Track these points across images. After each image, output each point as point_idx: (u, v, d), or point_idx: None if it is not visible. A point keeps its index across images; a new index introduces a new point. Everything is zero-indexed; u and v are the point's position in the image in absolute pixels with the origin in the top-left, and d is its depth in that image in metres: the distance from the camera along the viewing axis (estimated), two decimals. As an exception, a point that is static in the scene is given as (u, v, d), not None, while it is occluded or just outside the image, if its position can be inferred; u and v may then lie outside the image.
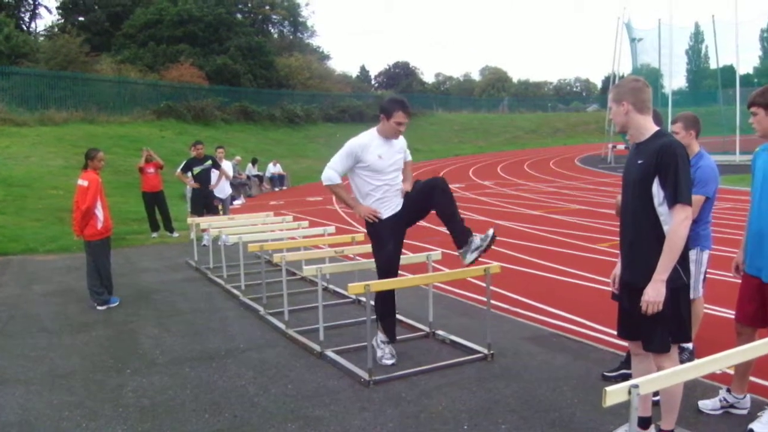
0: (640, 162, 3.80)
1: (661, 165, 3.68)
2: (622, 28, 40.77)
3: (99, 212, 8.19)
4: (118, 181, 21.16)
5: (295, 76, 53.02)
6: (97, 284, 8.32)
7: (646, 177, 3.74)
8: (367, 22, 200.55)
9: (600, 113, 57.01)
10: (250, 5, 63.30)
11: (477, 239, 5.56)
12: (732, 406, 4.55)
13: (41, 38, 47.61)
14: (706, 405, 4.58)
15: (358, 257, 7.57)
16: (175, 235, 14.49)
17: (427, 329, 6.64)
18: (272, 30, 68.11)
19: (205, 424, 4.71)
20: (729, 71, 45.06)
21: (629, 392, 2.85)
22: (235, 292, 8.61)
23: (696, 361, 3.25)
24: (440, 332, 6.52)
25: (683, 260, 3.76)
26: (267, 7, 64.31)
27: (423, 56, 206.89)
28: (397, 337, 6.10)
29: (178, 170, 13.56)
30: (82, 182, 8.14)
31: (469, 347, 6.06)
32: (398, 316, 7.08)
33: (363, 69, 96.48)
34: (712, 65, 46.01)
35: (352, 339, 6.43)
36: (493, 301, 6.11)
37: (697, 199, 4.86)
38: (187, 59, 43.67)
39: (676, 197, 3.66)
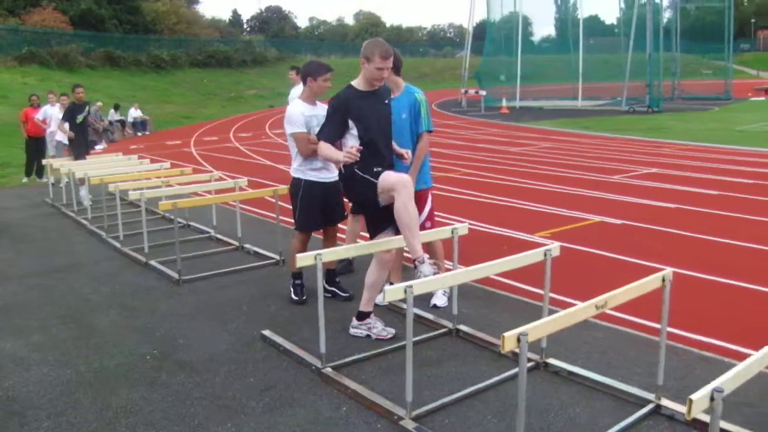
0: (386, 102, 5.13)
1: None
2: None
3: None
4: (-23, 128, 21.62)
5: (162, 21, 52.81)
6: None
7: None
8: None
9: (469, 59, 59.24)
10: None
11: None
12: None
13: None
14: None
15: (177, 185, 8.96)
16: (45, 180, 14.36)
17: (236, 243, 8.24)
18: (139, -28, 66.78)
19: (46, 315, 6.11)
20: (593, 20, 47.94)
21: (405, 291, 3.79)
22: (84, 221, 9.99)
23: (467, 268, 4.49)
24: (247, 245, 8.14)
25: None
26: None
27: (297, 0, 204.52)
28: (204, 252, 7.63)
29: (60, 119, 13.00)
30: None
31: (264, 254, 7.72)
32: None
33: (235, 13, 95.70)
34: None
35: (171, 252, 7.61)
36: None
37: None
38: (50, 3, 42.85)
39: None
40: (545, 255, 4.43)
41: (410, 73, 64.19)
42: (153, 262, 7.50)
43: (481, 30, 48.09)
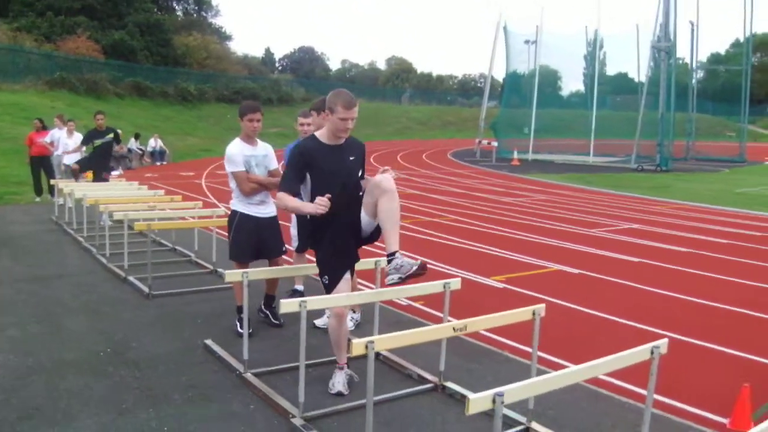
0: (353, 158, 4.95)
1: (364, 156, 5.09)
2: (500, 31, 43.57)
3: None
4: (2, 148, 22.72)
5: (192, 56, 54.44)
6: None
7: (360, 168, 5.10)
8: (275, 4, 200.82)
9: (493, 109, 59.47)
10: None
11: None
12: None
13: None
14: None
15: (169, 210, 9.79)
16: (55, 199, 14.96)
17: (211, 267, 8.98)
18: (176, 7, 69.01)
19: (28, 315, 6.87)
20: (622, 78, 48.50)
21: (299, 305, 4.35)
22: (79, 238, 10.83)
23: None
24: (220, 269, 8.86)
25: None
26: (172, -17, 65.38)
27: (331, 42, 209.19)
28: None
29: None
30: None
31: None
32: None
33: (268, 51, 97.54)
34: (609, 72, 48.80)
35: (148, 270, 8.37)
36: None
37: None
38: (85, 32, 44.59)
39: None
40: (444, 287, 5.05)
41: (433, 120, 65.28)
42: (131, 278, 8.27)
43: (510, 81, 48.69)
